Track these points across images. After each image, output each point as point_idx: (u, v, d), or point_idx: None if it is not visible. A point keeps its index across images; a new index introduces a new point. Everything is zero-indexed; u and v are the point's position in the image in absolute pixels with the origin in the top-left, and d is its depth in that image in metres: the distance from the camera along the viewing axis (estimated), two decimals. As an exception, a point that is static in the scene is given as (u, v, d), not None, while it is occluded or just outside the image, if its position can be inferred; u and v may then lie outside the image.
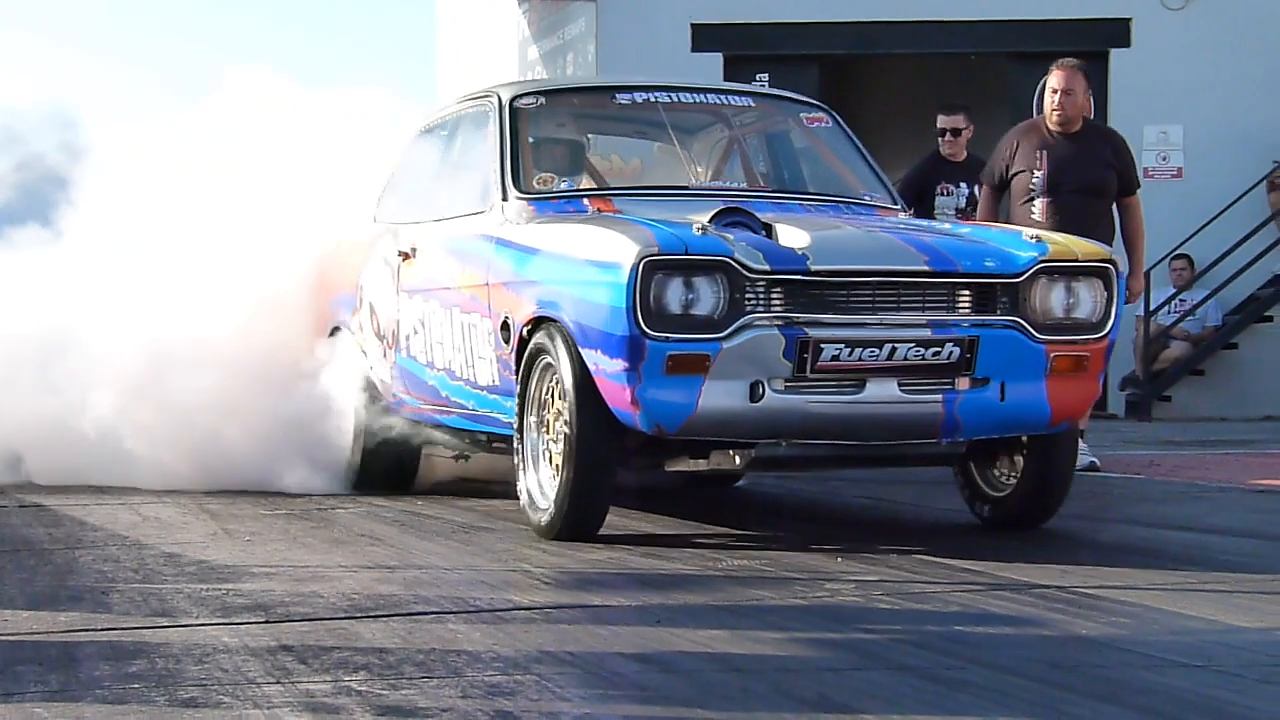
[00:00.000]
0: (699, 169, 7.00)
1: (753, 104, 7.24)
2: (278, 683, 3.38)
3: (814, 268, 5.12)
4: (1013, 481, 5.93)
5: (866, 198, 6.60)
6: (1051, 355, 5.33)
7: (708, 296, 5.05)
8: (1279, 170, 13.63)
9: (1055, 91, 7.51)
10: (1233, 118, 13.55)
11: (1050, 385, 5.36)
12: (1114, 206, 7.60)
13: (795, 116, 7.15)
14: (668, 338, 5.00)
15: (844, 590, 4.62)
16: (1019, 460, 5.84)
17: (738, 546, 5.70)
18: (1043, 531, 5.90)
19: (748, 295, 5.08)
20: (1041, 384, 5.35)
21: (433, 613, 4.29)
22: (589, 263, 5.28)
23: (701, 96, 7.15)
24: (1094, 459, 7.98)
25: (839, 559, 5.26)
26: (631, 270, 4.95)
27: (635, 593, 4.64)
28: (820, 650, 3.87)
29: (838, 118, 7.14)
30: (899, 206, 6.65)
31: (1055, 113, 7.46)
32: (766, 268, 5.08)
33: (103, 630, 4.01)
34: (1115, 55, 13.66)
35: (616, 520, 6.03)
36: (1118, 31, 13.87)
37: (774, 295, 5.12)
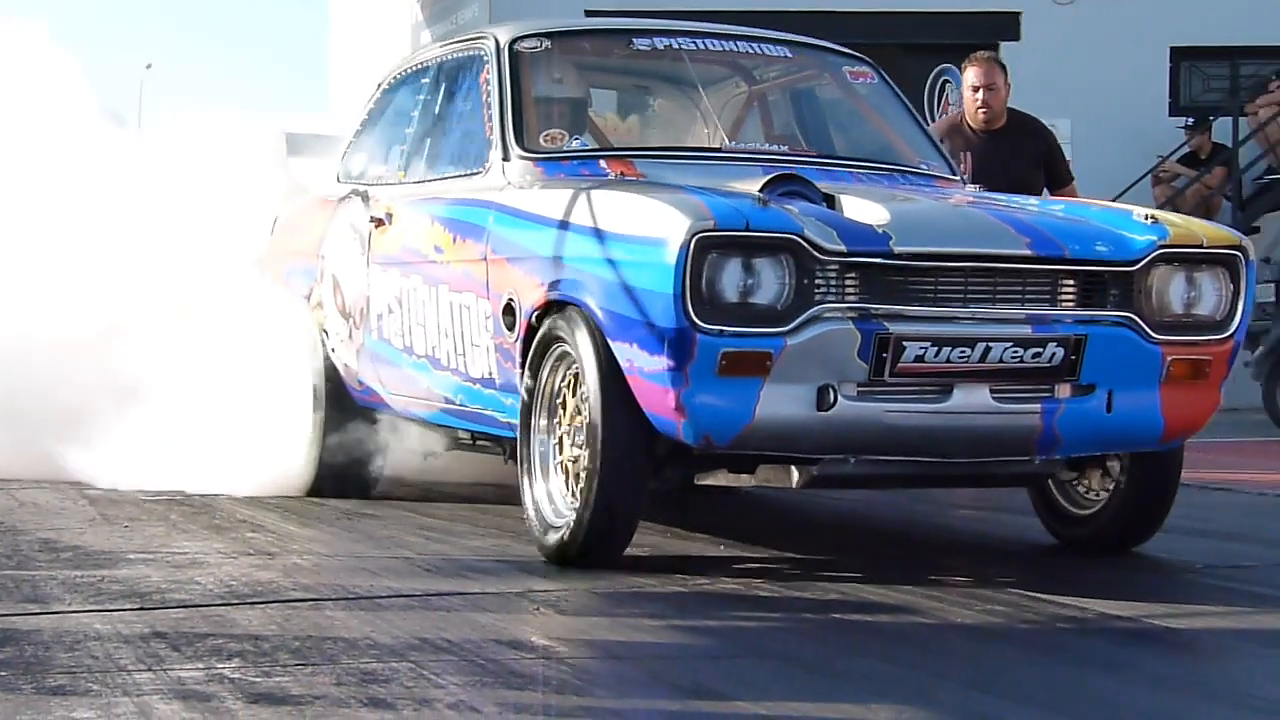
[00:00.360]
0: (729, 128, 6.12)
1: (790, 54, 6.36)
2: (149, 670, 3.38)
3: (897, 249, 4.39)
4: (1102, 498, 5.24)
5: (923, 167, 5.84)
6: (1168, 359, 4.62)
7: (771, 282, 4.30)
8: (1164, 164, 13.91)
9: (976, 89, 7.00)
10: (1120, 112, 13.80)
11: (1165, 394, 4.66)
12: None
13: (837, 71, 6.31)
14: (722, 331, 4.26)
15: (724, 578, 4.65)
16: (1111, 473, 5.15)
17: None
18: (917, 522, 5.97)
19: (818, 281, 4.33)
20: (1155, 393, 4.65)
21: (310, 600, 4.30)
22: (625, 237, 4.54)
23: (731, 44, 6.23)
24: None
25: (721, 546, 5.31)
26: (681, 248, 4.21)
27: (514, 579, 4.66)
28: (698, 638, 3.91)
29: (884, 73, 6.38)
30: (959, 178, 5.92)
31: (981, 111, 6.98)
32: (841, 248, 4.33)
33: (-29, 617, 3.97)
34: (1005, 48, 13.83)
35: (496, 505, 6.11)
36: (1007, 24, 14.08)
37: (848, 282, 4.38)
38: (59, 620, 3.93)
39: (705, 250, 4.20)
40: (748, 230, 4.25)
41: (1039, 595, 4.41)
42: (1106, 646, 3.88)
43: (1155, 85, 14.16)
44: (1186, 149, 14.00)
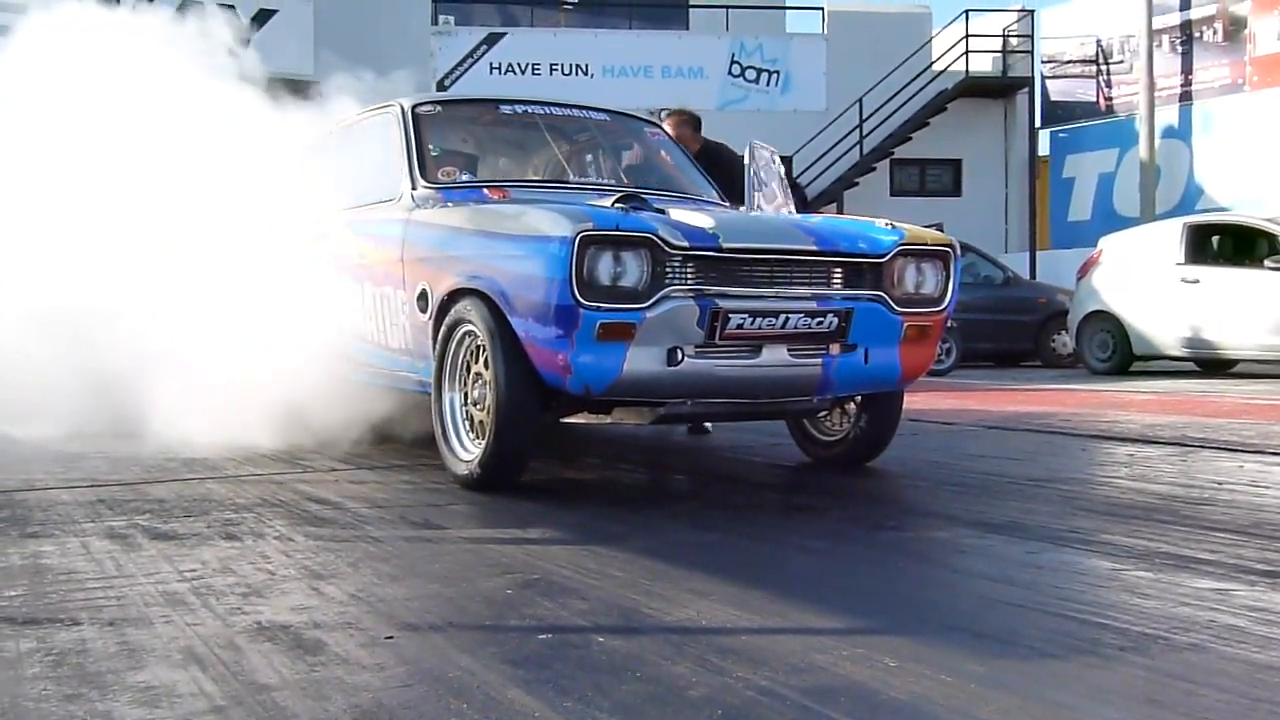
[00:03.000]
0: (571, 168, 7.19)
1: (608, 118, 7.57)
2: (91, 521, 4.67)
3: (724, 245, 5.16)
4: (842, 429, 6.42)
5: (704, 196, 7.04)
6: (905, 325, 5.57)
7: (634, 270, 5.03)
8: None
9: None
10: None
11: (902, 350, 5.62)
12: None
13: (640, 130, 7.67)
14: (599, 307, 4.96)
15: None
16: (849, 411, 6.36)
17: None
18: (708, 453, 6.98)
19: (667, 269, 5.08)
20: (895, 349, 5.60)
21: (197, 478, 5.85)
22: (523, 238, 5.22)
23: (568, 110, 7.41)
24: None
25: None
26: (570, 244, 4.91)
27: (323, 463, 6.27)
28: (441, 497, 5.27)
29: (667, 131, 7.86)
30: (727, 205, 6.96)
31: None
32: (685, 244, 5.09)
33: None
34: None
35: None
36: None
37: (688, 270, 5.12)
38: (41, 494, 5.34)
39: (586, 245, 4.94)
40: (618, 230, 5.00)
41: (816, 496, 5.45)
42: (855, 532, 4.66)
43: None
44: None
